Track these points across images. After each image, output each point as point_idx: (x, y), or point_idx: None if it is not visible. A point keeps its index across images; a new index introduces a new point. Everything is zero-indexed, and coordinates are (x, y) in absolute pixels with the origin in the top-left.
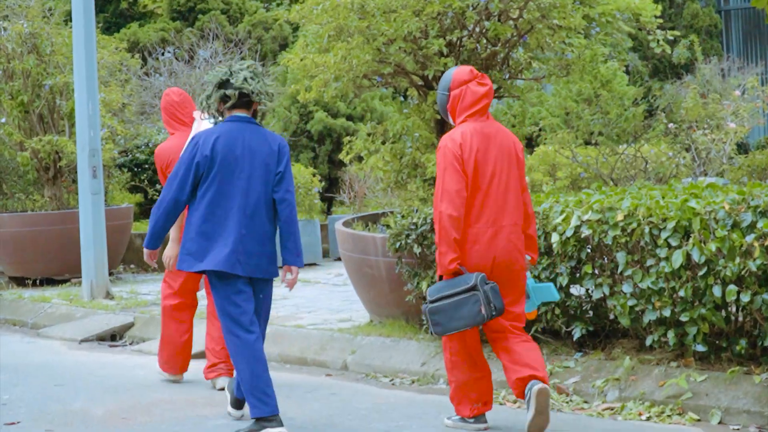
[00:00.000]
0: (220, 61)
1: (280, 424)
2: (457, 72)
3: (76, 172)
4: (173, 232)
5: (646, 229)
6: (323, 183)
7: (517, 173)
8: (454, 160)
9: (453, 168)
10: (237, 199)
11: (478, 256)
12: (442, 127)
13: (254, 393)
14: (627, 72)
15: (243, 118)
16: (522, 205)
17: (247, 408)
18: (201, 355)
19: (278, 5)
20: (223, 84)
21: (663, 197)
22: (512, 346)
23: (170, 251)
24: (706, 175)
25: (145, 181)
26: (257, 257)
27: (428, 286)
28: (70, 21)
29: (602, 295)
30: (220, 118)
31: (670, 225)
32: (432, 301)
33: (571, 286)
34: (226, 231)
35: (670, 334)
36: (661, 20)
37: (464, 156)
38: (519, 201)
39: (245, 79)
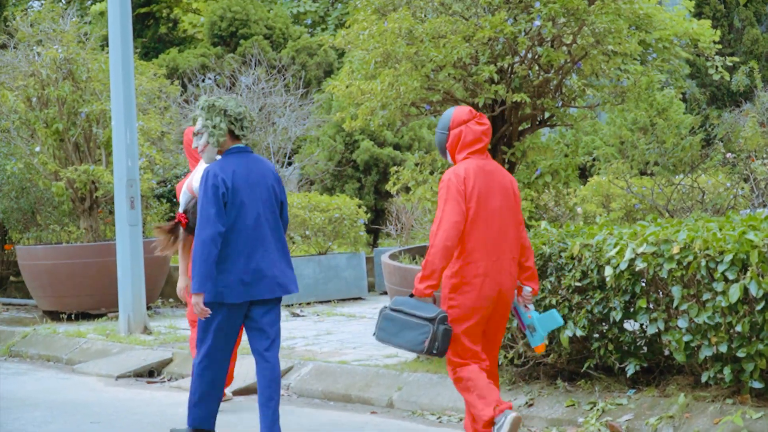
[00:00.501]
0: (262, 88)
1: None
2: (456, 112)
3: (112, 203)
4: (182, 265)
5: (703, 263)
6: (369, 214)
7: (514, 208)
8: (457, 194)
9: (455, 201)
10: (262, 226)
11: (489, 288)
12: (492, 156)
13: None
14: (684, 100)
15: (246, 148)
16: (520, 239)
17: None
18: (244, 392)
19: (323, 30)
20: (225, 113)
21: (720, 229)
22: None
23: (182, 283)
24: (765, 206)
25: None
26: (272, 278)
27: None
28: (107, 46)
29: (657, 331)
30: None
31: (728, 258)
32: (392, 309)
33: (625, 321)
34: (262, 259)
35: (727, 371)
36: (720, 46)
37: (467, 191)
38: (518, 235)
39: (240, 112)
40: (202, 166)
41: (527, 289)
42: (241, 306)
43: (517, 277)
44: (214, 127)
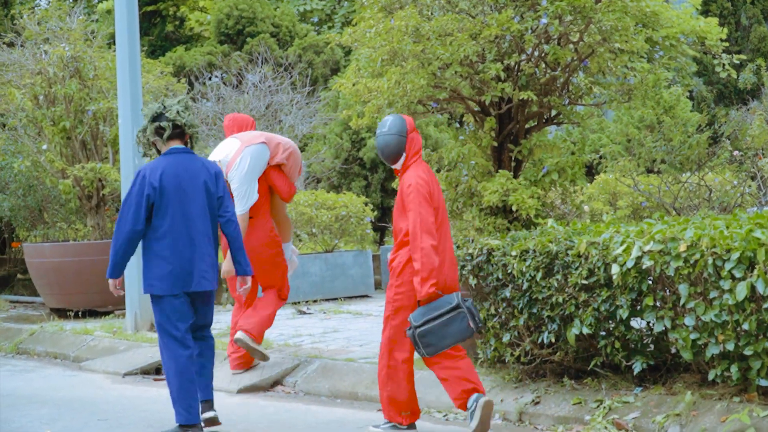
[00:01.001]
0: (269, 86)
1: (201, 430)
2: (408, 119)
3: (119, 201)
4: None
5: (710, 261)
6: (375, 212)
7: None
8: (426, 196)
9: (426, 203)
10: (191, 223)
11: (451, 278)
12: (499, 154)
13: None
14: (691, 97)
15: (181, 149)
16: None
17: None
18: (251, 390)
19: (330, 28)
20: (157, 117)
21: (727, 227)
22: (455, 363)
23: (227, 266)
24: None
25: None
26: (202, 272)
27: (484, 319)
28: (114, 44)
29: (664, 328)
30: (152, 151)
31: (735, 256)
32: (419, 326)
33: (632, 318)
34: (182, 254)
35: (734, 369)
36: (727, 44)
37: (430, 191)
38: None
39: (178, 112)
40: (226, 146)
41: None
42: (180, 296)
43: None
44: (139, 133)
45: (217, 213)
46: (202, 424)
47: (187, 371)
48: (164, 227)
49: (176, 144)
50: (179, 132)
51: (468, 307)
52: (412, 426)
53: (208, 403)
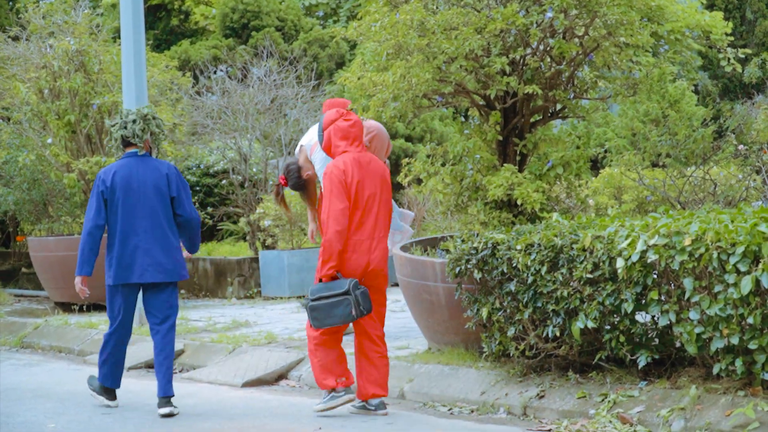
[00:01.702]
0: (274, 80)
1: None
2: (327, 114)
3: None
4: (308, 214)
5: (715, 254)
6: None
7: (388, 194)
8: (339, 185)
9: (338, 190)
10: (138, 220)
11: (356, 263)
12: (504, 148)
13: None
14: (696, 92)
15: (134, 153)
16: (389, 218)
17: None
18: (256, 383)
19: (335, 22)
20: (118, 128)
21: (732, 221)
22: (373, 359)
23: (311, 226)
24: None
25: (196, 203)
26: (146, 266)
27: (488, 313)
28: (119, 38)
29: (668, 322)
30: (119, 153)
31: (739, 250)
32: (312, 300)
33: (637, 312)
34: (126, 248)
35: (738, 363)
36: (732, 38)
37: (347, 180)
38: (389, 216)
39: (125, 126)
40: (312, 131)
41: None
42: (128, 287)
43: None
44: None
45: (171, 211)
46: (161, 417)
47: (122, 346)
48: (115, 224)
49: (132, 149)
50: (133, 141)
51: (356, 295)
52: (348, 390)
53: (166, 399)
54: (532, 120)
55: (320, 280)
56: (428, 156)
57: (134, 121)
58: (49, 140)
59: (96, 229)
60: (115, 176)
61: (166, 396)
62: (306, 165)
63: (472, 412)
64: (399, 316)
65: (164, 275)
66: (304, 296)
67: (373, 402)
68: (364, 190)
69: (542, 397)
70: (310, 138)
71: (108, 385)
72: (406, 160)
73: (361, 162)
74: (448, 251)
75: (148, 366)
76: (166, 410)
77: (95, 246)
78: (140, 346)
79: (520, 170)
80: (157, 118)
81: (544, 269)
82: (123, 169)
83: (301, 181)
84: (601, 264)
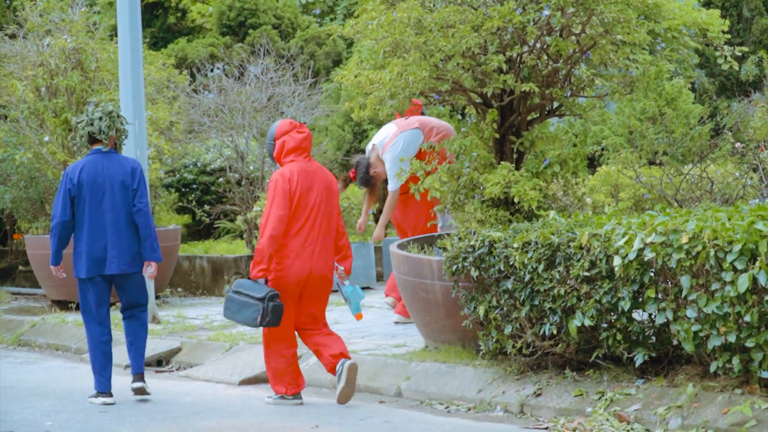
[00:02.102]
0: (271, 78)
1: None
2: (280, 124)
3: None
4: (365, 206)
5: (712, 252)
6: (377, 204)
7: (333, 202)
8: (283, 192)
9: (280, 198)
10: (105, 214)
11: (299, 270)
12: (501, 146)
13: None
14: (693, 89)
15: (100, 150)
16: (336, 226)
17: None
18: (253, 381)
19: (332, 20)
20: (84, 127)
21: (729, 219)
22: (321, 339)
23: (378, 232)
24: None
25: (193, 201)
26: (113, 258)
27: (485, 311)
28: (116, 36)
29: (665, 320)
30: (85, 150)
31: (737, 248)
32: (234, 291)
33: (634, 310)
34: (96, 241)
35: (735, 361)
36: (729, 35)
37: (292, 188)
38: (334, 224)
39: (92, 123)
40: (384, 131)
41: (341, 268)
42: (99, 279)
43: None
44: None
45: (131, 203)
46: (132, 391)
47: (103, 346)
48: (83, 218)
49: (98, 146)
50: (98, 138)
51: (267, 306)
52: (297, 396)
53: (138, 375)
54: (528, 118)
55: (248, 278)
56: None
57: (100, 118)
58: (46, 138)
59: (63, 225)
60: (81, 173)
61: (137, 373)
62: (376, 163)
63: (469, 410)
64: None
65: (133, 265)
66: None
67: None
68: (309, 199)
69: (539, 395)
70: (382, 137)
71: (104, 389)
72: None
73: (307, 171)
74: (445, 249)
75: (146, 364)
76: (136, 385)
77: (65, 241)
78: None
79: (517, 168)
80: (122, 116)
81: (541, 267)
82: (89, 166)
83: (368, 177)
84: (598, 262)
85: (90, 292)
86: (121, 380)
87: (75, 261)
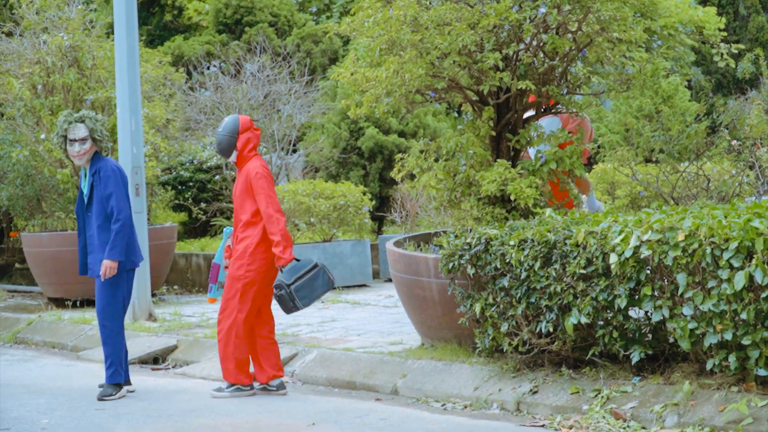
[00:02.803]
0: (267, 76)
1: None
2: (242, 120)
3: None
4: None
5: (708, 250)
6: (374, 202)
7: None
8: (272, 183)
9: (273, 187)
10: (87, 219)
11: (271, 258)
12: (498, 144)
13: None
14: (689, 87)
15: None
16: None
17: None
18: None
19: (328, 18)
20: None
21: (725, 217)
22: (266, 346)
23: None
24: None
25: (190, 199)
26: (91, 263)
27: (482, 308)
28: (112, 34)
29: (662, 318)
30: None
31: (733, 245)
32: (292, 284)
33: (630, 308)
34: (80, 246)
35: (732, 358)
36: (725, 33)
37: (272, 179)
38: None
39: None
40: None
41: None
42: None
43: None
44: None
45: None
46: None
47: (124, 338)
48: (78, 224)
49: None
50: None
51: (323, 264)
52: (252, 386)
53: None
54: (525, 115)
55: (280, 269)
56: (421, 151)
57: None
58: (43, 136)
59: (131, 219)
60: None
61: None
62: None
63: (466, 407)
64: (392, 311)
65: (94, 271)
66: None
67: (274, 383)
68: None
69: (535, 392)
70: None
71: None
72: (399, 155)
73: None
74: (441, 247)
75: (142, 362)
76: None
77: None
78: (134, 342)
79: (514, 166)
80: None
81: (537, 265)
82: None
83: None
84: (594, 259)
85: (126, 283)
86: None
87: (129, 251)
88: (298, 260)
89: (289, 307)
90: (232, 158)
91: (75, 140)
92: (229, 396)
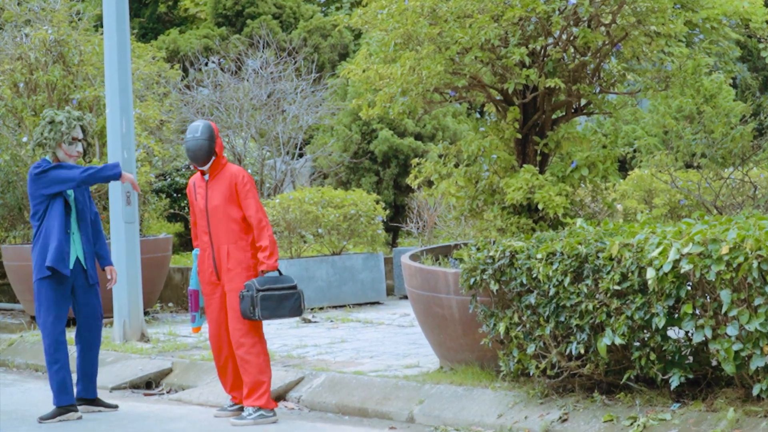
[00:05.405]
0: (271, 73)
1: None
2: (213, 125)
3: (107, 199)
4: None
5: (755, 264)
6: (388, 211)
7: None
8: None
9: (257, 192)
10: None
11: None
12: (523, 147)
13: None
14: (734, 85)
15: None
16: None
17: None
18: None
19: (338, 9)
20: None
21: None
22: (264, 349)
23: None
24: None
25: (186, 208)
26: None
27: (506, 328)
28: (101, 27)
29: (704, 339)
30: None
31: None
32: (262, 290)
33: (669, 328)
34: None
35: None
36: None
37: None
38: None
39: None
40: None
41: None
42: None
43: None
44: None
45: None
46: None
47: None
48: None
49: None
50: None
51: (301, 292)
52: (274, 412)
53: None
54: (553, 116)
55: (261, 272)
56: (440, 156)
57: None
58: (24, 138)
59: None
60: None
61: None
62: None
63: None
64: (408, 331)
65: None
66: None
67: (237, 406)
68: None
69: (565, 420)
70: None
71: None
72: (416, 160)
73: None
74: (461, 260)
75: (134, 386)
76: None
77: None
78: (124, 364)
79: (541, 172)
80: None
81: (567, 280)
82: None
83: None
84: (629, 275)
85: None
86: (119, 403)
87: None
88: (281, 273)
89: (247, 311)
90: (207, 166)
91: (78, 140)
92: (254, 423)
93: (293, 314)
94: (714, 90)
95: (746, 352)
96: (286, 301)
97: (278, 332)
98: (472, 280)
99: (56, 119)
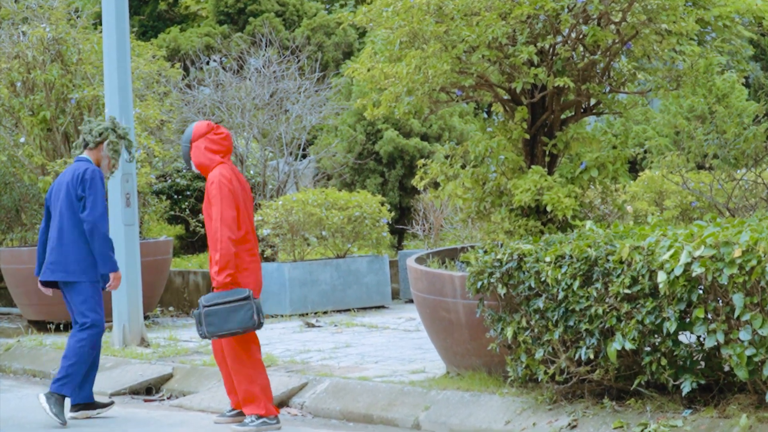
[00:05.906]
0: (274, 72)
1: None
2: (196, 126)
3: (106, 200)
4: None
5: None
6: (393, 213)
7: (252, 210)
8: (229, 193)
9: (229, 198)
10: (56, 221)
11: (255, 285)
12: (532, 148)
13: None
14: (747, 84)
15: (76, 158)
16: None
17: None
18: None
19: (342, 6)
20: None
21: None
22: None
23: None
24: None
25: (187, 210)
26: (48, 264)
27: (514, 332)
28: (100, 25)
29: (716, 344)
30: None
31: None
32: (208, 306)
33: (680, 332)
34: (48, 247)
35: None
36: None
37: (235, 190)
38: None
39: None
40: None
41: None
42: (56, 284)
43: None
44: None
45: (78, 211)
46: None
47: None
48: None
49: (83, 154)
50: (84, 144)
51: (257, 303)
52: (277, 418)
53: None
54: (562, 116)
55: (212, 289)
56: (446, 157)
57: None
58: (22, 139)
59: (40, 234)
60: (54, 182)
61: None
62: None
63: None
64: (413, 336)
65: (54, 274)
66: (308, 314)
67: (236, 411)
68: (247, 203)
69: (574, 427)
70: None
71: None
72: (422, 161)
73: (235, 172)
74: (468, 264)
75: (134, 392)
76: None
77: (40, 249)
78: (124, 369)
79: (550, 173)
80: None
81: (576, 284)
82: (60, 175)
83: None
84: (640, 278)
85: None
86: (107, 410)
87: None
88: (233, 286)
89: (197, 329)
90: (197, 169)
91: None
92: (256, 430)
93: (246, 326)
94: (726, 89)
95: (759, 357)
96: (235, 314)
97: (281, 337)
98: (480, 283)
99: (121, 134)
